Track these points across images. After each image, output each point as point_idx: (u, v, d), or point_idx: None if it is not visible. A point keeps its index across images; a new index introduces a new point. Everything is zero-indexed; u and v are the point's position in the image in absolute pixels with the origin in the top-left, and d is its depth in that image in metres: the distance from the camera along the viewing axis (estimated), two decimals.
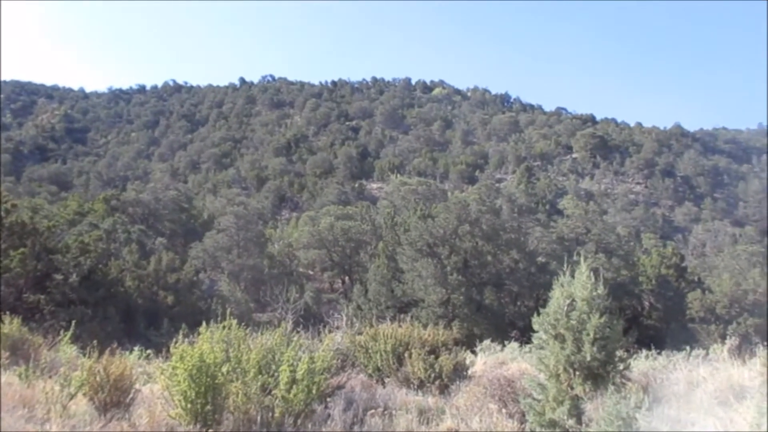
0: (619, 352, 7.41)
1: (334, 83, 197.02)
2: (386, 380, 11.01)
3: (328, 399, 8.37)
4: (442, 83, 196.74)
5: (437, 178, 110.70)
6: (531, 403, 7.33)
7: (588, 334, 7.13)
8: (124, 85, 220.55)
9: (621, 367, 7.37)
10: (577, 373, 7.16)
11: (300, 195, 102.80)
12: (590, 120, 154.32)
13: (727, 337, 14.93)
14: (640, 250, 51.63)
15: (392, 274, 35.11)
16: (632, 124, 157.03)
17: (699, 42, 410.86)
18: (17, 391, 7.92)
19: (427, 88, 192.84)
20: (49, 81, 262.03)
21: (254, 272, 45.13)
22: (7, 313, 11.75)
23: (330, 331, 13.74)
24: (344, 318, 16.31)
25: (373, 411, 8.30)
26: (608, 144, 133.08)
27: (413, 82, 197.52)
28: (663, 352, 12.79)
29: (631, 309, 37.32)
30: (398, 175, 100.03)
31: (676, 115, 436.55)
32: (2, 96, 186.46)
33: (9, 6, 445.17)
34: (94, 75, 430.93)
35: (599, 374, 7.18)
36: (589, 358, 7.07)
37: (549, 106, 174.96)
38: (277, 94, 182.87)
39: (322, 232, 50.56)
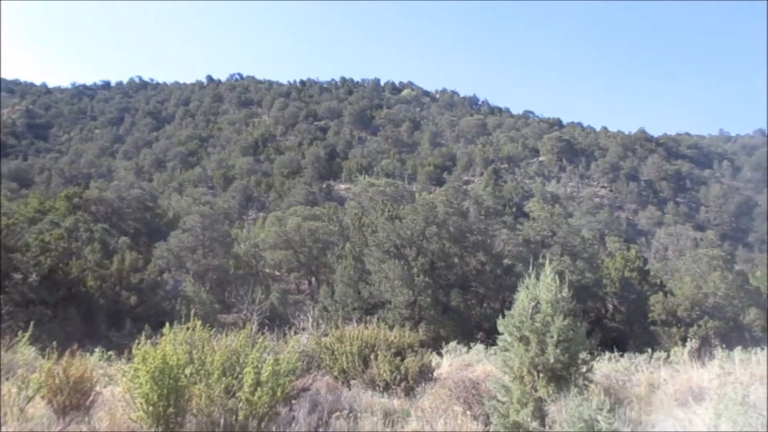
0: (583, 355, 7.46)
1: (302, 83, 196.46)
2: (352, 382, 10.97)
3: (293, 401, 8.31)
4: (411, 84, 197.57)
5: (405, 179, 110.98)
6: (495, 405, 7.35)
7: (552, 337, 7.16)
8: (89, 81, 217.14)
9: (584, 369, 7.42)
10: (541, 375, 7.20)
11: (267, 195, 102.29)
12: (557, 124, 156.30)
13: (688, 339, 15.15)
14: (604, 253, 52.30)
15: (359, 276, 35.06)
16: (598, 129, 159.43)
17: (664, 48, 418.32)
18: None
19: (396, 89, 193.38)
20: (10, 75, 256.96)
21: (220, 273, 44.76)
22: None
23: (296, 333, 13.67)
24: (310, 319, 16.22)
25: (338, 413, 8.26)
26: (574, 148, 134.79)
27: (382, 83, 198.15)
28: (625, 355, 12.96)
29: (594, 311, 37.77)
30: (366, 176, 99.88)
31: (641, 120, 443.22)
32: None
33: None
34: (57, 70, 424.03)
35: (562, 376, 7.22)
36: (552, 360, 7.11)
37: (517, 109, 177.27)
38: (245, 93, 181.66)
39: (289, 232, 50.35)
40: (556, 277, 7.59)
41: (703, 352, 12.30)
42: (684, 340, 22.23)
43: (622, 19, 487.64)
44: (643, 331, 35.21)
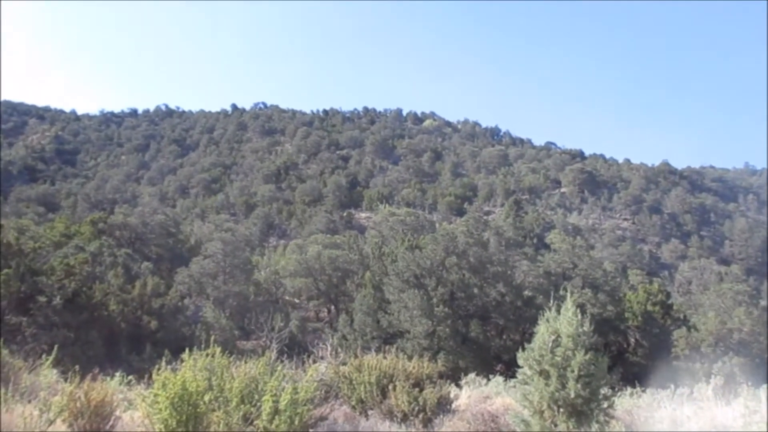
0: (604, 390, 7.40)
1: (325, 112, 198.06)
2: (369, 412, 10.92)
3: (311, 430, 8.29)
4: (433, 115, 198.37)
5: (426, 209, 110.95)
6: None
7: (573, 371, 7.12)
8: (116, 108, 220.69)
9: (605, 404, 7.36)
10: (561, 410, 7.14)
11: (288, 222, 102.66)
12: (579, 155, 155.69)
13: (712, 376, 14.90)
14: (626, 286, 51.70)
15: (378, 305, 34.97)
16: (620, 161, 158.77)
17: (688, 80, 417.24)
18: None
19: (418, 119, 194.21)
20: (41, 102, 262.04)
21: (240, 299, 44.83)
22: None
23: (314, 361, 13.65)
24: (329, 348, 16.21)
25: None
26: (596, 179, 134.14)
27: (404, 113, 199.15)
28: (647, 390, 12.78)
29: (616, 345, 37.26)
30: (387, 206, 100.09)
31: (664, 152, 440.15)
32: None
33: (3, 27, 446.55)
34: (86, 97, 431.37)
35: (583, 411, 7.16)
36: (573, 395, 7.06)
37: (538, 141, 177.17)
38: (269, 122, 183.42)
39: (310, 260, 50.42)
40: (577, 310, 7.56)
41: (727, 389, 12.10)
42: (708, 376, 21.87)
43: (645, 50, 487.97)
44: (665, 367, 34.59)
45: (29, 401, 8.68)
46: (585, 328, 7.38)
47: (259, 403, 7.35)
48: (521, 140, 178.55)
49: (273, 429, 7.05)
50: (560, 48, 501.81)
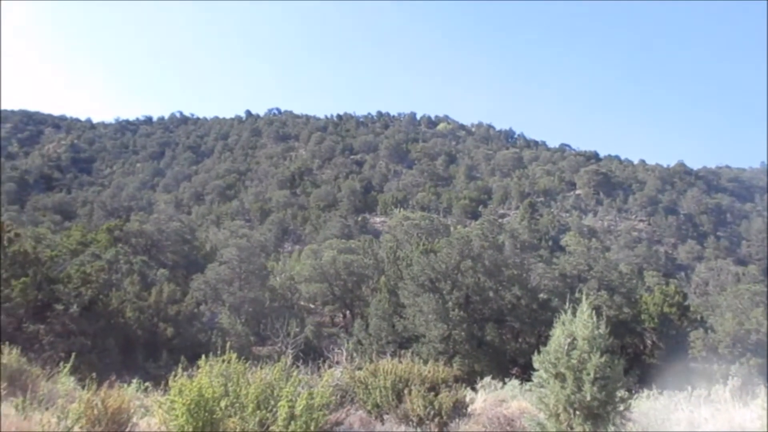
0: (620, 392, 7.36)
1: (339, 117, 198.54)
2: (385, 417, 10.91)
3: None
4: (446, 118, 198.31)
5: (440, 212, 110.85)
6: None
7: (588, 374, 7.09)
8: (131, 116, 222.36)
9: (622, 407, 7.32)
10: (578, 413, 7.11)
11: (303, 228, 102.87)
12: (594, 157, 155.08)
13: (730, 377, 14.76)
14: (642, 287, 51.32)
15: (393, 309, 34.96)
16: (636, 162, 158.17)
17: (703, 80, 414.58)
18: (14, 423, 7.88)
19: (431, 123, 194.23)
20: (56, 111, 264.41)
21: (255, 305, 44.92)
22: (6, 343, 11.70)
23: (330, 366, 13.67)
24: (344, 353, 16.21)
25: None
26: (611, 181, 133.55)
27: (418, 116, 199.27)
28: (664, 392, 12.67)
29: (632, 347, 37.06)
30: (401, 210, 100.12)
31: (680, 152, 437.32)
32: (10, 125, 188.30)
33: (19, 37, 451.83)
34: (101, 106, 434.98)
35: (599, 414, 7.12)
36: (589, 398, 7.03)
37: (553, 143, 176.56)
38: (283, 127, 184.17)
39: (324, 265, 50.48)
40: (593, 312, 7.53)
41: (745, 390, 11.98)
42: (725, 378, 21.67)
43: (660, 51, 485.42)
44: (682, 368, 34.33)
45: (47, 408, 8.75)
46: (601, 331, 7.35)
47: (274, 409, 7.36)
48: (535, 142, 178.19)
49: None
50: (574, 50, 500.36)
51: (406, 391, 10.95)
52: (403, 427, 10.25)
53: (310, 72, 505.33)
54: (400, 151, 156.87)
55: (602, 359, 7.10)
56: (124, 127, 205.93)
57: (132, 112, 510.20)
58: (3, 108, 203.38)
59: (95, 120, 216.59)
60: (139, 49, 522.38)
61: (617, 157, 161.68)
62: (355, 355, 18.02)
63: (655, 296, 40.40)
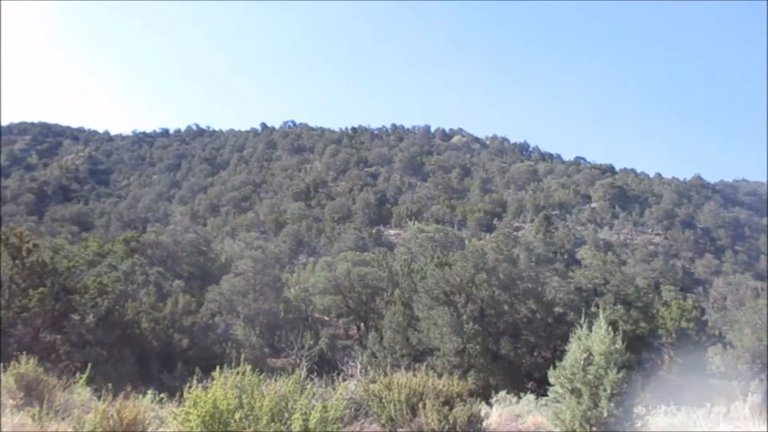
0: (637, 408, 7.30)
1: (354, 129, 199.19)
2: (399, 430, 10.87)
3: None
4: (461, 131, 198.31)
5: (455, 225, 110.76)
6: None
7: (605, 389, 7.04)
8: (148, 128, 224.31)
9: (639, 423, 7.25)
10: (594, 428, 7.05)
11: (317, 240, 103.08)
12: (609, 170, 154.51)
13: (749, 394, 14.58)
14: (659, 302, 50.97)
15: (408, 322, 34.85)
16: (652, 175, 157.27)
17: (720, 93, 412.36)
18: None
19: (446, 135, 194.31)
20: (75, 123, 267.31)
21: (270, 317, 44.95)
22: (23, 352, 11.78)
23: (344, 379, 13.65)
24: (359, 365, 16.19)
25: None
26: (627, 194, 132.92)
27: (432, 129, 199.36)
28: (682, 409, 12.53)
29: (649, 362, 36.70)
30: (416, 222, 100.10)
31: (697, 166, 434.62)
32: (29, 137, 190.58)
33: (38, 50, 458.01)
34: (119, 118, 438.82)
35: (616, 430, 7.06)
36: (606, 414, 6.98)
37: (568, 156, 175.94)
38: (298, 140, 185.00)
39: (339, 277, 50.47)
40: (609, 327, 7.48)
41: (765, 407, 11.84)
42: (745, 394, 21.41)
43: (676, 64, 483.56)
44: (700, 384, 33.97)
45: (63, 419, 8.79)
46: (617, 346, 7.30)
47: (289, 422, 7.35)
48: (550, 155, 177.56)
49: None
50: (589, 62, 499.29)
51: (420, 405, 10.90)
52: None
53: (324, 85, 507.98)
54: (415, 163, 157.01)
55: (619, 375, 7.05)
56: (141, 139, 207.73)
57: (149, 124, 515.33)
58: (23, 120, 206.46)
59: (113, 132, 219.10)
60: (155, 62, 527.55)
61: (633, 171, 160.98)
62: (369, 367, 18.00)
63: (673, 311, 40.09)
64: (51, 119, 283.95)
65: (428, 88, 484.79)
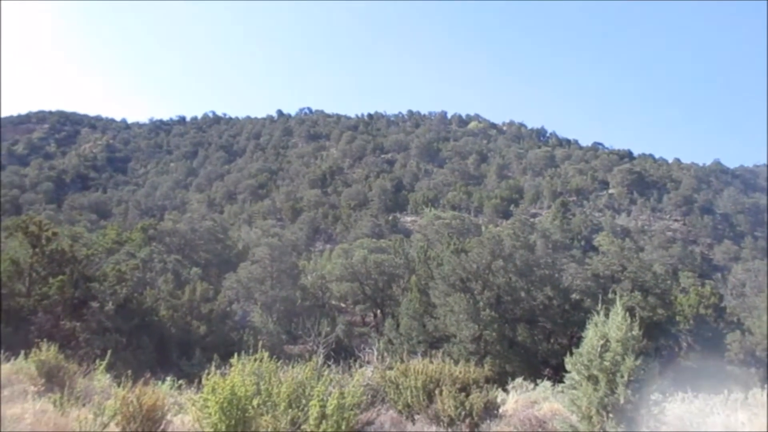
0: (654, 395, 7.27)
1: (370, 116, 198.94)
2: (416, 417, 10.91)
3: None
4: (477, 117, 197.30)
5: (471, 212, 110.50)
6: None
7: (622, 376, 7.01)
8: (165, 117, 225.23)
9: (656, 410, 7.22)
10: (611, 415, 7.04)
11: (334, 227, 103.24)
12: (627, 156, 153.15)
13: None
14: (677, 288, 50.60)
15: (424, 309, 34.89)
16: (670, 161, 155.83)
17: (741, 78, 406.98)
18: (51, 419, 8.02)
19: (462, 122, 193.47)
20: (92, 112, 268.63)
21: (287, 304, 45.17)
22: (44, 339, 11.93)
23: (361, 366, 13.70)
24: (375, 352, 16.23)
25: None
26: (645, 180, 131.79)
27: (449, 115, 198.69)
28: (700, 395, 12.47)
29: (667, 349, 36.54)
30: (432, 209, 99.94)
31: (716, 151, 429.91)
32: (47, 126, 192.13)
33: (57, 40, 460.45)
34: (136, 106, 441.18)
35: (633, 417, 7.04)
36: (622, 401, 6.96)
37: (585, 141, 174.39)
38: (314, 127, 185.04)
39: (355, 264, 50.57)
40: (627, 313, 7.44)
41: None
42: (763, 381, 21.28)
43: (694, 48, 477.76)
44: (718, 371, 33.80)
45: (84, 405, 8.90)
46: (634, 332, 7.27)
47: (306, 408, 7.40)
48: (568, 141, 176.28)
49: None
50: (606, 47, 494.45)
51: (437, 392, 10.92)
52: (434, 428, 10.24)
53: (341, 71, 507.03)
54: (431, 150, 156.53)
55: (636, 361, 7.02)
56: (158, 127, 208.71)
57: (166, 112, 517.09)
58: (41, 109, 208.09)
59: (130, 120, 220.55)
60: (172, 50, 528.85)
61: (651, 156, 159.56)
62: (385, 354, 18.04)
63: (691, 297, 39.82)
64: (69, 108, 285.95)
65: (445, 74, 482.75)
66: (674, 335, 37.81)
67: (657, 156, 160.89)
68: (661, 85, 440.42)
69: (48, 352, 11.39)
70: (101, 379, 11.31)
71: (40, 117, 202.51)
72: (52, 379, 10.98)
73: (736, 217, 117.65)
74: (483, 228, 73.59)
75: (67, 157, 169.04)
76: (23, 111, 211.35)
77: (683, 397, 12.11)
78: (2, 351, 13.65)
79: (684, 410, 10.54)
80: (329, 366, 10.94)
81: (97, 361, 11.58)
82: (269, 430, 7.10)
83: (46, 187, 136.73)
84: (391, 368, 13.09)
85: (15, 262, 25.96)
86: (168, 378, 14.20)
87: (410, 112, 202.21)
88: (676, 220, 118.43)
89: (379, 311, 50.90)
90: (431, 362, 12.19)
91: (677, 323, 37.79)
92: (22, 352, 12.90)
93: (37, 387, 10.43)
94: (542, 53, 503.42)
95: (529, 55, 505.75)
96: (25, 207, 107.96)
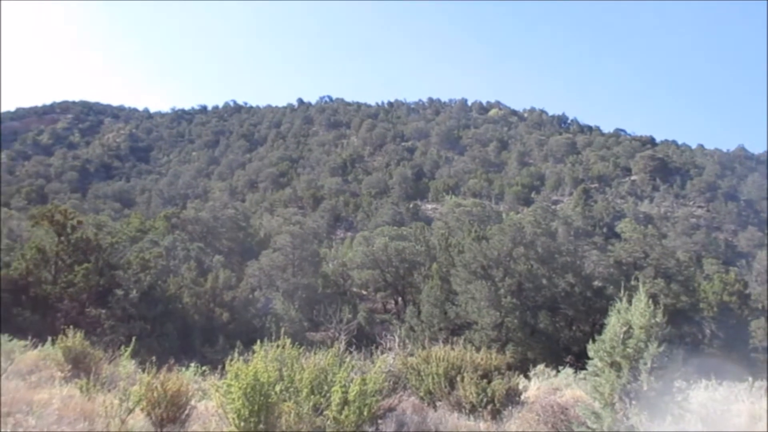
0: (678, 383, 7.22)
1: (390, 104, 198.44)
2: (438, 404, 10.93)
3: (380, 421, 8.36)
4: (498, 104, 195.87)
5: (492, 199, 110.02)
6: None
7: (645, 363, 6.97)
8: (187, 106, 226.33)
9: (679, 397, 7.18)
10: (633, 402, 7.01)
11: (355, 215, 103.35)
12: (650, 142, 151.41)
13: None
14: (701, 275, 50.13)
15: (446, 296, 34.92)
16: (694, 146, 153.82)
17: (764, 62, 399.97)
18: (78, 404, 8.15)
19: (483, 109, 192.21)
20: (116, 101, 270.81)
21: (308, 291, 45.36)
22: (70, 326, 12.11)
23: (382, 352, 13.75)
24: (397, 339, 16.28)
25: None
26: (668, 166, 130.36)
27: (469, 102, 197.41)
28: (724, 383, 12.36)
29: (690, 336, 36.26)
30: (453, 196, 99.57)
31: (740, 136, 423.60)
32: (71, 116, 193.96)
33: (80, 30, 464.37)
34: (158, 96, 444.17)
35: (656, 404, 7.01)
36: (646, 388, 6.92)
37: (607, 128, 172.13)
38: (334, 115, 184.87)
39: (376, 252, 50.61)
40: (650, 300, 7.39)
41: None
42: None
43: (717, 35, 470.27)
44: (743, 359, 33.47)
45: (109, 390, 9.04)
46: (658, 319, 7.21)
47: (328, 394, 7.45)
48: (589, 127, 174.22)
49: (342, 419, 7.14)
50: (627, 32, 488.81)
51: (458, 378, 10.94)
52: (455, 415, 10.26)
53: (360, 59, 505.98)
54: (452, 137, 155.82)
55: (659, 348, 6.97)
56: (179, 116, 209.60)
57: (187, 101, 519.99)
58: (64, 99, 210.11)
59: (152, 110, 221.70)
60: (193, 40, 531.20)
61: (674, 142, 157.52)
62: (407, 341, 18.11)
63: (714, 284, 39.46)
64: (92, 98, 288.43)
65: (465, 62, 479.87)
66: (698, 322, 37.53)
67: (680, 142, 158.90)
68: (684, 70, 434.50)
69: (74, 338, 11.56)
70: (126, 365, 11.47)
71: (64, 107, 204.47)
72: (79, 365, 11.16)
73: (761, 203, 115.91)
74: (504, 215, 73.20)
75: (91, 146, 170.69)
76: (47, 101, 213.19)
77: (707, 384, 12.01)
78: (30, 338, 13.92)
79: (708, 398, 10.46)
80: (351, 353, 10.99)
81: (122, 347, 11.73)
82: (292, 415, 7.16)
83: (70, 176, 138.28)
84: (412, 355, 13.14)
85: (41, 251, 26.36)
86: (191, 364, 14.36)
87: (430, 100, 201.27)
88: (699, 207, 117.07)
89: (400, 298, 50.97)
90: (453, 349, 12.21)
91: (701, 310, 37.49)
92: (49, 338, 13.13)
93: (64, 373, 10.61)
94: (563, 40, 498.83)
95: (550, 42, 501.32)
96: (51, 196, 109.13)
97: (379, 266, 50.52)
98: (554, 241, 38.81)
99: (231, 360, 7.43)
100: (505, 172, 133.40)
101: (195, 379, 12.45)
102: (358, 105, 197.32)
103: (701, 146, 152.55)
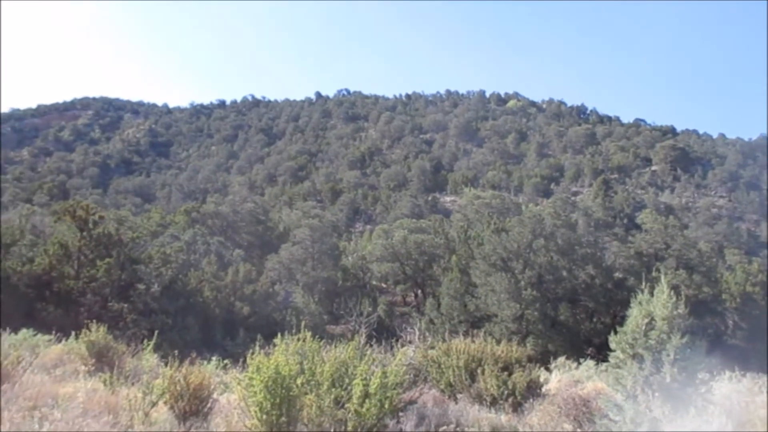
0: (701, 374, 7.16)
1: (408, 96, 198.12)
2: (458, 396, 10.94)
3: (401, 414, 8.37)
4: (516, 95, 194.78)
5: (511, 191, 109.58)
6: (607, 424, 7.16)
7: (668, 355, 6.92)
8: (205, 101, 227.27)
9: (703, 389, 7.12)
10: (656, 394, 6.96)
11: (374, 208, 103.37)
12: (670, 132, 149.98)
13: None
14: (723, 266, 49.67)
15: (465, 289, 34.86)
16: (715, 136, 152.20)
17: None
18: (102, 398, 8.24)
19: (501, 100, 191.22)
20: (135, 97, 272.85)
21: (328, 284, 45.51)
22: (93, 320, 12.24)
23: (402, 345, 13.76)
24: (417, 332, 16.29)
25: (445, 427, 8.27)
26: (689, 156, 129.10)
27: (487, 94, 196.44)
28: (747, 375, 12.25)
29: (713, 328, 35.93)
30: (472, 188, 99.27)
31: (762, 125, 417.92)
32: (91, 112, 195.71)
33: (100, 27, 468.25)
34: (177, 91, 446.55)
35: (680, 396, 6.95)
36: (669, 380, 6.87)
37: (627, 118, 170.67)
38: (352, 108, 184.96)
39: (396, 245, 50.59)
40: (672, 292, 7.33)
41: None
42: None
43: (737, 23, 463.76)
44: (766, 350, 33.13)
45: (132, 384, 9.13)
46: (680, 311, 7.16)
47: (349, 387, 7.46)
48: (609, 118, 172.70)
49: (363, 412, 7.16)
50: (647, 23, 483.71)
51: (479, 371, 10.94)
52: (476, 407, 10.26)
53: (378, 52, 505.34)
54: (470, 129, 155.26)
55: (682, 340, 6.92)
56: (198, 111, 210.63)
57: (206, 96, 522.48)
58: (85, 95, 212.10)
59: (171, 105, 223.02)
60: (212, 36, 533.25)
61: (695, 132, 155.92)
62: (427, 334, 18.11)
63: (737, 275, 39.05)
64: (111, 94, 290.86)
65: (482, 54, 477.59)
66: (720, 313, 37.19)
67: (701, 131, 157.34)
68: (704, 59, 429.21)
69: (97, 333, 11.69)
70: (149, 358, 11.58)
71: (84, 103, 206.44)
72: (102, 359, 11.28)
73: None
74: (523, 207, 72.86)
75: (112, 142, 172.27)
76: (68, 98, 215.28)
77: (730, 376, 11.93)
78: (54, 332, 14.10)
79: (731, 389, 10.39)
80: (371, 346, 11.01)
81: (144, 341, 11.85)
82: (313, 408, 7.19)
83: (91, 172, 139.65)
84: (432, 348, 13.15)
85: (64, 246, 26.63)
86: (213, 358, 14.48)
87: (448, 92, 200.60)
88: (721, 197, 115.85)
89: (419, 291, 50.95)
90: (473, 342, 12.20)
91: (723, 301, 37.14)
92: (73, 333, 13.28)
93: (88, 366, 10.72)
94: (581, 31, 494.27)
95: (568, 34, 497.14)
96: (72, 192, 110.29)
97: (399, 259, 50.51)
98: (574, 233, 38.58)
99: (252, 353, 7.47)
100: (524, 163, 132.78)
101: (217, 372, 12.55)
102: (376, 98, 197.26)
103: (722, 135, 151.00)
